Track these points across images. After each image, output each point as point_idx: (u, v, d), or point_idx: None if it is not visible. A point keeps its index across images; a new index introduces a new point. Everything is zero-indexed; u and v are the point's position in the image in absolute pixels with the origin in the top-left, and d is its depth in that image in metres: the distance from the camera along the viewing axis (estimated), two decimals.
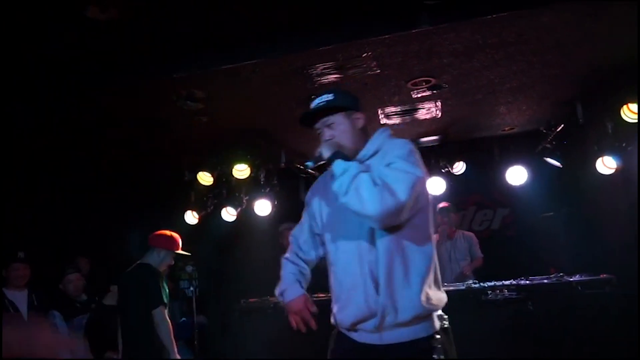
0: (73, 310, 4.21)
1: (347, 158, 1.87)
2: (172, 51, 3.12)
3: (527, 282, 4.47)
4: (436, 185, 5.73)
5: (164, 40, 3.01)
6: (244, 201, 5.41)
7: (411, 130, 5.01)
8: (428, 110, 4.40)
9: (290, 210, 6.17)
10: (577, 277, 4.32)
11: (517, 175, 5.43)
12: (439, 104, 4.23)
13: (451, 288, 4.65)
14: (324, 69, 3.35)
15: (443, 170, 5.71)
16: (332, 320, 2.02)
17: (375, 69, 3.36)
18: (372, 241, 1.85)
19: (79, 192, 5.43)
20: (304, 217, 2.22)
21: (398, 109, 4.29)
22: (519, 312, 4.29)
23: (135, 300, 3.51)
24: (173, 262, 3.86)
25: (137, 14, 2.69)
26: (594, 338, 3.90)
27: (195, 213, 5.45)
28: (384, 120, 4.56)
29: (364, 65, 3.31)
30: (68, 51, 3.02)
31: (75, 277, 4.31)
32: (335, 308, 1.97)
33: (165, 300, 3.54)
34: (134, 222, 6.35)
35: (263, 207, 5.39)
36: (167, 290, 3.65)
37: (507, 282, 4.57)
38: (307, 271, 2.18)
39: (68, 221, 5.24)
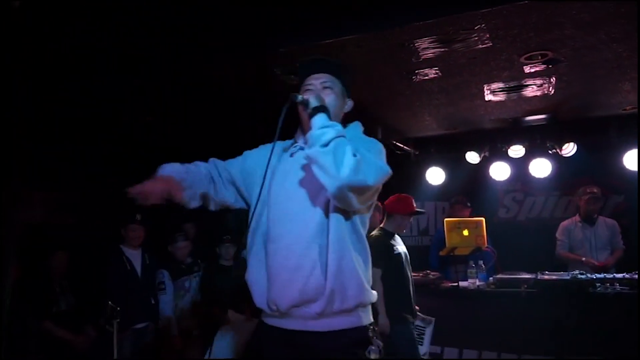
0: (179, 271, 4.55)
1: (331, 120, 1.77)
2: (278, 25, 3.15)
3: None
4: (542, 167, 5.40)
5: (270, 14, 3.04)
6: None
7: (517, 107, 4.71)
8: (540, 87, 4.09)
9: (385, 186, 6.17)
10: None
11: (636, 159, 4.94)
12: (553, 79, 3.91)
13: (554, 277, 4.41)
14: (431, 42, 3.21)
15: (550, 152, 5.35)
16: (260, 302, 1.87)
17: (487, 42, 3.16)
18: (324, 225, 1.78)
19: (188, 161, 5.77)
20: (236, 162, 2.12)
21: (506, 84, 4.03)
22: (630, 309, 3.96)
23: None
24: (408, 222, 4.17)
25: None
26: None
27: None
28: (489, 97, 4.32)
29: (475, 38, 3.12)
30: (174, 21, 3.14)
31: (183, 245, 4.61)
32: (268, 288, 1.83)
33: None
34: None
35: None
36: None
37: (619, 275, 4.23)
38: (198, 178, 2.04)
39: None
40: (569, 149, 5.24)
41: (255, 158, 2.07)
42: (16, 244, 2.84)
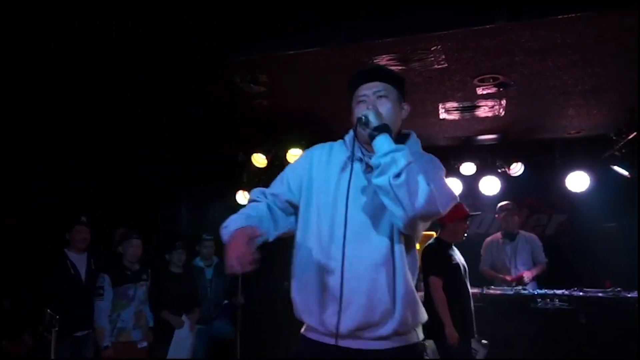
0: (123, 277, 4.24)
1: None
2: (239, 35, 3.15)
3: (581, 293, 4.32)
4: (491, 185, 5.59)
5: (232, 24, 3.04)
6: None
7: (469, 126, 4.89)
8: (491, 108, 4.26)
9: None
10: (634, 294, 4.12)
11: (578, 181, 5.22)
12: (504, 102, 4.08)
13: (498, 292, 4.56)
14: (389, 59, 3.29)
15: (499, 170, 5.55)
16: (311, 319, 1.78)
17: (442, 62, 3.27)
18: (391, 248, 1.71)
19: (137, 165, 5.64)
20: (287, 185, 1.89)
21: (460, 104, 4.18)
22: (569, 324, 4.15)
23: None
24: (466, 229, 3.85)
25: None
26: None
27: (246, 193, 5.55)
28: (443, 115, 4.47)
29: (431, 59, 3.23)
30: (135, 29, 3.09)
31: (137, 243, 4.33)
32: (325, 308, 1.74)
33: None
34: (187, 199, 6.57)
35: None
36: None
37: (559, 292, 4.43)
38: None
39: (126, 192, 5.45)
40: (516, 168, 5.46)
41: (309, 165, 1.89)
42: None
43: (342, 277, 1.69)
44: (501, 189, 5.59)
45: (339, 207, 1.74)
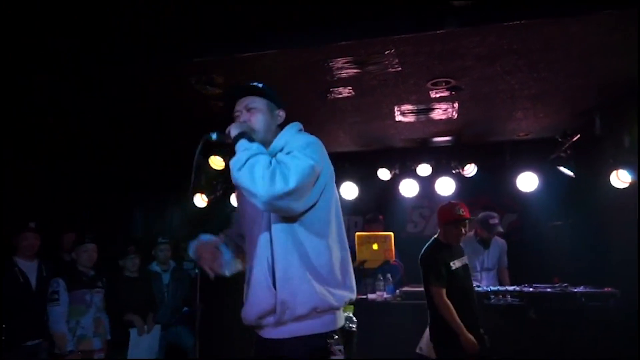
0: (78, 282, 4.13)
1: (253, 141, 1.84)
2: (195, 35, 3.12)
3: (531, 289, 4.48)
4: (446, 186, 5.74)
5: (186, 24, 3.00)
6: None
7: (425, 129, 5.01)
8: (445, 111, 4.38)
9: None
10: (581, 289, 4.32)
11: (527, 181, 5.42)
12: (456, 105, 4.21)
13: None
14: (345, 62, 3.34)
15: (454, 172, 5.71)
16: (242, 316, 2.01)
17: (396, 66, 3.35)
18: (269, 237, 1.87)
19: (90, 168, 5.47)
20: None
21: (415, 107, 4.28)
22: (520, 319, 4.30)
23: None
24: (462, 231, 3.65)
25: None
26: (594, 351, 3.90)
27: (204, 196, 5.49)
28: (399, 118, 4.56)
29: (386, 62, 3.30)
30: (90, 29, 3.02)
31: (91, 247, 4.20)
32: (244, 304, 1.99)
33: None
34: (142, 202, 6.42)
35: None
36: None
37: (510, 288, 4.58)
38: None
39: (78, 196, 5.28)
40: (470, 169, 5.63)
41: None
42: None
43: (245, 278, 1.98)
44: (456, 189, 5.74)
45: (245, 217, 2.06)
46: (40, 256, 4.13)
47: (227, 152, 1.93)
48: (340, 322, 1.92)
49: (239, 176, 1.73)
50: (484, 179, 5.75)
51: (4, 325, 3.05)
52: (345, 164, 6.08)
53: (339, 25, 3.02)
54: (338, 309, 1.89)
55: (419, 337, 4.15)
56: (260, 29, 3.06)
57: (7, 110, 4.02)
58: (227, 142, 1.89)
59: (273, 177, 1.68)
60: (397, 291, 4.92)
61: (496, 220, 4.89)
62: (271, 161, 1.73)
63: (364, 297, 4.93)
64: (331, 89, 3.78)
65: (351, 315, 2.25)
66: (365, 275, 5.18)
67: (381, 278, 4.98)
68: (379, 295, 4.89)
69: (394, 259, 5.14)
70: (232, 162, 1.77)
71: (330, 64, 3.34)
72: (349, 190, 6.07)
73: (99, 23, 2.93)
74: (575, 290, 4.32)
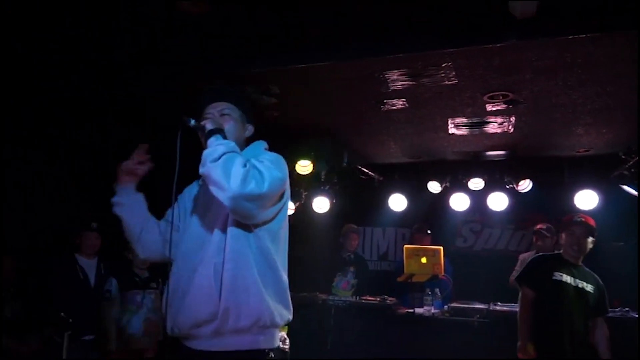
0: (131, 283, 4.30)
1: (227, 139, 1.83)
2: (253, 47, 3.21)
3: None
4: (498, 201, 5.59)
5: (246, 36, 3.09)
6: (303, 197, 5.50)
7: (478, 142, 4.91)
8: (500, 125, 4.28)
9: (349, 209, 6.27)
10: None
11: (587, 199, 5.19)
12: (513, 119, 4.11)
13: (505, 309, 4.55)
14: (400, 74, 3.33)
15: (507, 187, 5.55)
16: (167, 325, 1.87)
17: (453, 79, 3.31)
18: (221, 243, 1.80)
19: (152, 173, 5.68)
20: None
21: (469, 120, 4.21)
22: None
23: None
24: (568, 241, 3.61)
25: (223, 9, 2.78)
26: None
27: None
28: (452, 130, 4.49)
29: (442, 75, 3.27)
30: (155, 42, 3.16)
31: None
32: (170, 311, 1.84)
33: None
34: None
35: (322, 204, 5.47)
36: None
37: None
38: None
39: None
40: (524, 185, 5.46)
41: (182, 199, 2.11)
42: None
43: (178, 281, 1.85)
44: (509, 205, 5.59)
45: (186, 219, 2.00)
46: (100, 254, 4.34)
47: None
48: (277, 341, 1.89)
49: (212, 167, 1.68)
50: (539, 196, 5.55)
51: (71, 320, 3.22)
52: (395, 176, 6.04)
53: (396, 38, 3.02)
54: (278, 326, 1.86)
55: (466, 355, 4.07)
56: (316, 41, 3.11)
57: (75, 114, 4.27)
58: (198, 132, 1.88)
59: (246, 176, 1.66)
60: (446, 307, 4.83)
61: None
62: (246, 163, 1.71)
63: (411, 311, 4.87)
64: (385, 101, 3.78)
65: (285, 335, 2.20)
66: (412, 289, 5.12)
67: (429, 292, 4.90)
68: (426, 309, 4.81)
69: (443, 273, 5.06)
70: (206, 153, 1.74)
71: (385, 75, 3.34)
72: (398, 202, 6.03)
73: (158, 36, 3.06)
74: (636, 315, 4.09)
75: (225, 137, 1.81)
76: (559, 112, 3.88)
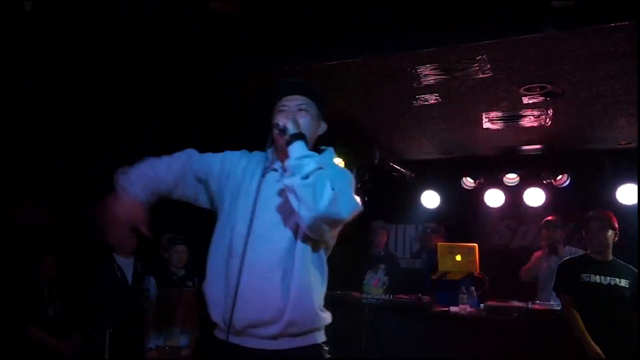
0: (168, 281, 4.30)
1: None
2: (286, 45, 3.21)
3: None
4: (535, 197, 5.45)
5: (279, 35, 3.10)
6: None
7: (513, 136, 4.79)
8: (537, 118, 4.16)
9: (380, 207, 6.21)
10: None
11: (629, 193, 5.01)
12: (550, 111, 3.98)
13: (545, 307, 4.42)
14: (433, 69, 3.28)
15: (544, 182, 5.40)
16: (215, 316, 1.87)
17: (487, 72, 3.23)
18: (291, 251, 1.78)
19: None
20: (215, 160, 2.01)
21: (504, 114, 4.11)
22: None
23: None
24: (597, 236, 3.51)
25: (253, 7, 2.79)
26: None
27: None
28: (487, 125, 4.39)
29: (476, 68, 3.19)
30: (189, 42, 3.20)
31: (182, 249, 4.36)
32: (225, 305, 1.81)
33: None
34: None
35: None
36: None
37: None
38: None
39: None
40: (563, 180, 5.30)
41: (235, 163, 2.00)
42: (11, 248, 2.83)
43: (239, 274, 1.77)
44: (546, 200, 5.43)
45: (249, 210, 1.83)
46: (137, 253, 4.42)
47: None
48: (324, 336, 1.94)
49: (302, 185, 1.64)
50: (578, 190, 5.38)
51: (111, 319, 3.27)
52: (427, 172, 5.96)
53: (428, 32, 2.96)
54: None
55: (503, 354, 3.99)
56: (348, 37, 3.09)
57: (120, 118, 4.37)
58: (275, 129, 1.81)
59: (335, 201, 1.64)
60: (482, 305, 4.73)
61: None
62: (332, 185, 1.67)
63: (446, 309, 4.79)
64: (417, 96, 3.72)
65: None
66: (447, 287, 5.03)
67: (464, 290, 4.80)
68: (462, 308, 4.72)
69: (478, 271, 4.95)
70: (293, 165, 1.69)
71: (418, 70, 3.29)
72: (431, 199, 5.95)
73: (198, 32, 3.10)
74: None
75: (307, 142, 1.76)
76: (599, 104, 3.74)
